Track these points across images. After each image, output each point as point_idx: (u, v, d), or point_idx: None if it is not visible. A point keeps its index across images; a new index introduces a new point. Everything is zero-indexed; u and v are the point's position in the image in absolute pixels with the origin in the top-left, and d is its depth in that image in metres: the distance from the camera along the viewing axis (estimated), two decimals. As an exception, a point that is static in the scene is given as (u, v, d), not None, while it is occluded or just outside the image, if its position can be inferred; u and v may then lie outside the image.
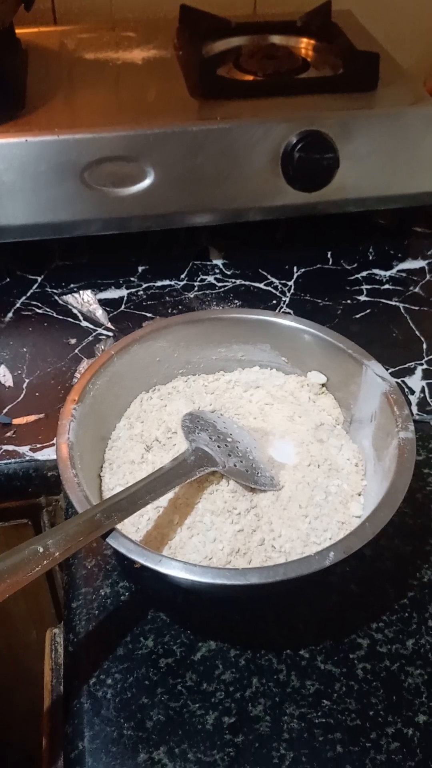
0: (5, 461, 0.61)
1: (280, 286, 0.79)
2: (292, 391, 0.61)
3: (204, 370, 0.63)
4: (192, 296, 0.78)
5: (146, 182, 0.73)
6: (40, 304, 0.76)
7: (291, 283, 0.80)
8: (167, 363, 0.61)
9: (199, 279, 0.80)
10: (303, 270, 0.81)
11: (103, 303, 0.77)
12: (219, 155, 0.73)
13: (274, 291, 0.79)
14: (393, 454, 0.50)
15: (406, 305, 0.77)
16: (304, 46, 0.89)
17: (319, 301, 0.78)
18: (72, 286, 0.78)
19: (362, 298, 0.78)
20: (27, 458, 0.61)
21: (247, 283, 0.80)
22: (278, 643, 0.51)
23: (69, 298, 0.77)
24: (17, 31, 0.86)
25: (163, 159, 0.72)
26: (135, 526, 0.51)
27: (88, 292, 0.78)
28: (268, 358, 0.63)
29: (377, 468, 0.53)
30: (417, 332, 0.74)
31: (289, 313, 0.61)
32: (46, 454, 0.61)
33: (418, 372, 0.70)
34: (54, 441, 0.60)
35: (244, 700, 0.48)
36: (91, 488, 0.51)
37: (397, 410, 0.53)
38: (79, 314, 0.75)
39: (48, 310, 0.76)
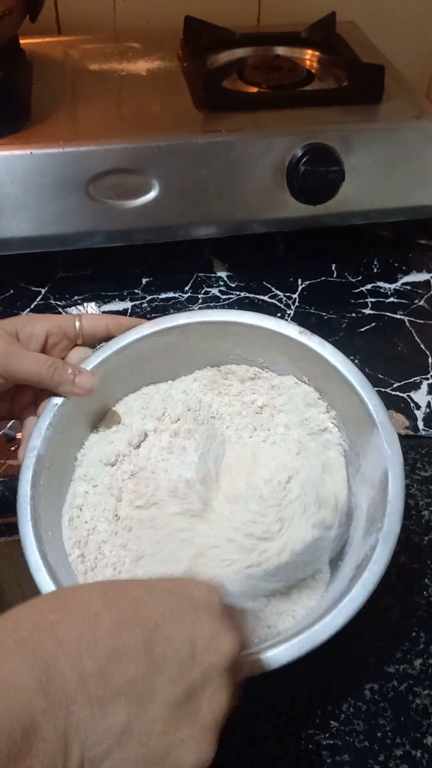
0: (9, 476, 0.61)
1: (284, 298, 0.79)
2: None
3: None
4: (196, 308, 0.78)
5: (151, 195, 0.73)
6: (43, 317, 0.76)
7: (295, 295, 0.79)
8: (174, 357, 0.57)
9: (203, 291, 0.80)
10: (307, 282, 0.81)
11: (107, 315, 0.76)
12: (223, 168, 0.73)
13: (278, 304, 0.78)
14: (365, 555, 0.44)
15: (411, 319, 0.77)
16: (309, 57, 0.89)
17: (324, 314, 0.77)
18: (76, 298, 0.78)
19: (367, 311, 0.78)
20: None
21: (251, 295, 0.79)
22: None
23: (73, 310, 0.77)
24: (21, 41, 0.86)
25: (167, 171, 0.72)
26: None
27: (92, 304, 0.77)
28: (287, 372, 0.57)
29: (356, 551, 0.47)
30: (422, 346, 0.74)
31: (314, 334, 0.55)
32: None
33: (424, 387, 0.70)
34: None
35: (251, 721, 0.47)
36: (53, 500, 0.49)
37: (388, 504, 0.45)
38: (82, 326, 0.75)
39: (52, 322, 0.75)
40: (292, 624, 0.46)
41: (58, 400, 0.50)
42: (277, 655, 0.40)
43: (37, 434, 0.49)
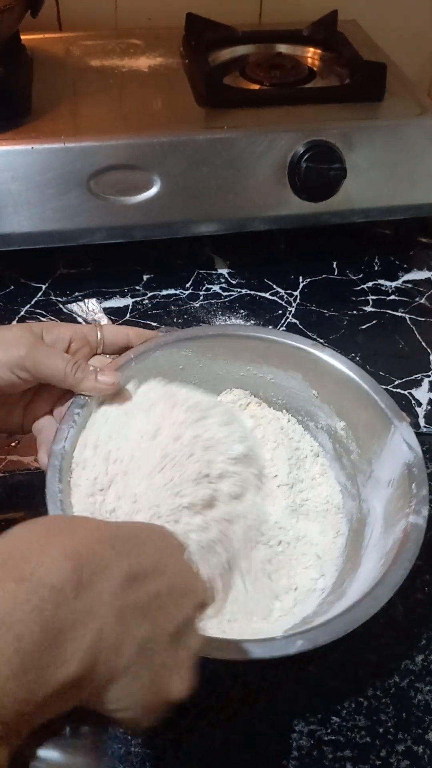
0: (9, 472, 0.60)
1: (285, 296, 0.79)
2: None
3: (228, 385, 0.60)
4: (197, 305, 0.78)
5: (152, 191, 0.73)
6: (44, 313, 0.76)
7: (297, 293, 0.79)
8: (190, 372, 0.58)
9: (204, 288, 0.80)
10: (309, 280, 0.81)
11: (107, 312, 0.76)
12: (225, 164, 0.73)
13: (279, 301, 0.78)
14: (397, 537, 0.46)
15: (412, 316, 0.77)
16: (310, 55, 0.89)
17: (325, 311, 0.77)
18: (77, 294, 0.78)
19: (368, 308, 0.78)
20: (32, 469, 0.60)
21: (252, 292, 0.79)
22: (285, 659, 0.50)
23: (74, 307, 0.77)
24: (22, 37, 0.86)
25: (169, 168, 0.72)
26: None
27: (93, 300, 0.77)
28: (298, 387, 0.58)
29: (380, 540, 0.49)
30: (423, 343, 0.74)
31: (327, 346, 0.57)
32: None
33: (425, 384, 0.70)
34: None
35: (253, 717, 0.47)
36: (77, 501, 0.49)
37: (414, 488, 0.48)
38: (83, 323, 0.75)
39: (53, 318, 0.75)
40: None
41: (81, 400, 0.51)
42: (326, 631, 0.41)
43: (63, 433, 0.49)
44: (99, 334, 0.54)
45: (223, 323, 0.75)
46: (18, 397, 0.52)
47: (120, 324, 0.75)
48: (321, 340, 0.73)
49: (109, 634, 0.30)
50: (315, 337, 0.74)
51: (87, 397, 0.51)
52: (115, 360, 0.54)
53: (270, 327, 0.74)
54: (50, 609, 0.28)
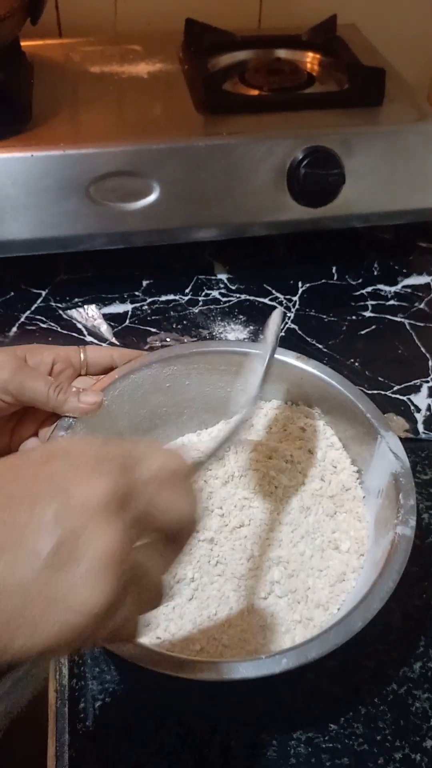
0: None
1: (285, 301, 0.79)
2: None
3: (213, 405, 0.59)
4: (196, 311, 0.78)
5: (151, 197, 0.73)
6: (44, 319, 0.76)
7: (296, 298, 0.80)
8: (177, 390, 0.58)
9: (203, 294, 0.80)
10: (308, 285, 0.81)
11: (107, 318, 0.76)
12: (224, 170, 0.73)
13: (278, 306, 0.78)
14: (385, 548, 0.46)
15: (412, 321, 0.77)
16: (310, 60, 0.89)
17: (324, 316, 0.77)
18: (76, 300, 0.78)
19: (367, 313, 0.78)
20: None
21: (251, 298, 0.79)
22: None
23: (73, 313, 0.77)
24: (22, 43, 0.86)
25: (168, 174, 0.72)
26: None
27: (93, 306, 0.78)
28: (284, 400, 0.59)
29: (372, 551, 0.50)
30: (422, 349, 0.74)
31: (311, 359, 0.57)
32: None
33: (424, 389, 0.70)
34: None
35: (250, 725, 0.47)
36: None
37: (401, 498, 0.48)
38: (83, 329, 0.75)
39: (52, 324, 0.75)
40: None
41: (66, 423, 0.51)
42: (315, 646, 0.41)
43: None
44: (82, 355, 0.55)
45: (221, 329, 0.75)
46: (4, 420, 0.53)
47: (119, 329, 0.75)
48: (320, 346, 0.74)
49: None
50: (314, 342, 0.74)
51: (72, 419, 0.51)
52: (100, 381, 0.54)
53: (254, 341, 0.74)
54: None
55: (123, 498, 0.31)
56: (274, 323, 0.51)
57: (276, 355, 0.55)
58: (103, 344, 0.73)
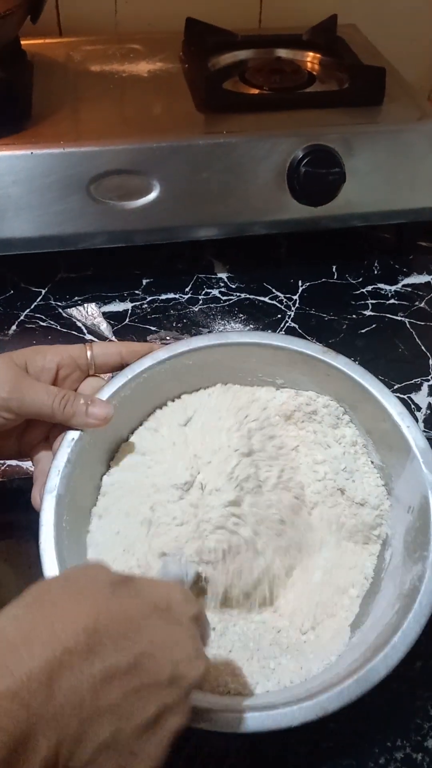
0: (8, 477, 0.60)
1: (285, 300, 0.79)
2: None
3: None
4: (197, 309, 0.78)
5: (152, 196, 0.73)
6: (44, 317, 0.76)
7: (296, 297, 0.79)
8: (190, 387, 0.54)
9: (203, 292, 0.80)
10: (308, 284, 0.81)
11: (107, 316, 0.76)
12: (225, 169, 0.73)
13: (279, 305, 0.78)
14: (414, 584, 0.43)
15: (412, 320, 0.77)
16: (310, 60, 0.89)
17: (324, 315, 0.77)
18: (76, 298, 0.78)
19: (367, 312, 0.78)
20: (31, 474, 0.60)
21: (252, 296, 0.79)
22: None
23: (73, 311, 0.77)
24: (23, 42, 0.86)
25: (168, 173, 0.72)
26: None
27: (93, 305, 0.77)
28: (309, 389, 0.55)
29: (400, 570, 0.46)
30: (423, 347, 0.74)
31: (339, 354, 0.53)
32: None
33: (425, 388, 0.69)
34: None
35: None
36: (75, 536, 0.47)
37: None
38: (83, 327, 0.75)
39: (52, 322, 0.75)
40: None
41: (74, 434, 0.48)
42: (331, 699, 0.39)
43: (55, 473, 0.46)
44: (89, 353, 0.50)
45: (222, 328, 0.75)
46: (10, 430, 0.49)
47: (119, 328, 0.75)
48: (320, 345, 0.73)
49: (68, 741, 0.29)
50: (314, 341, 0.74)
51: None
52: (110, 382, 0.50)
53: (279, 333, 0.73)
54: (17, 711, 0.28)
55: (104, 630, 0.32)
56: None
57: (298, 348, 0.53)
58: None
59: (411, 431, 0.48)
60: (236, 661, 0.45)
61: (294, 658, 0.45)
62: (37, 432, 0.50)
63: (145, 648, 0.32)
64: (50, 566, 0.43)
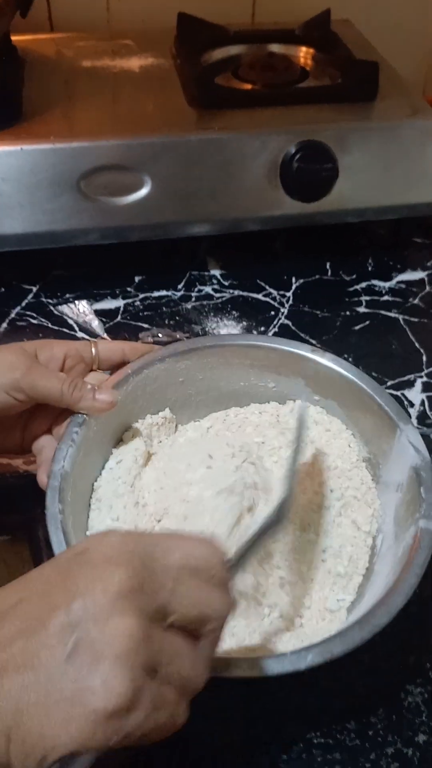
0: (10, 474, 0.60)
1: (278, 297, 0.79)
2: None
3: (229, 399, 0.60)
4: (189, 307, 0.77)
5: (143, 192, 0.73)
6: (35, 315, 0.75)
7: (289, 294, 0.79)
8: (190, 384, 0.58)
9: (196, 290, 0.79)
10: (302, 281, 0.81)
11: (98, 313, 0.76)
12: (217, 165, 0.73)
13: (272, 302, 0.78)
14: (408, 543, 0.45)
15: (406, 317, 0.77)
16: (303, 55, 0.88)
17: (318, 312, 0.77)
18: (68, 296, 0.78)
19: (361, 309, 0.78)
20: (21, 472, 0.60)
21: (245, 293, 0.79)
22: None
23: (64, 309, 0.76)
24: (13, 38, 0.85)
25: (160, 169, 0.72)
26: None
27: (84, 302, 0.77)
28: (301, 394, 0.58)
29: (392, 548, 0.48)
30: (416, 344, 0.74)
31: (327, 351, 0.57)
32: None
33: (418, 384, 0.69)
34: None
35: (243, 720, 0.47)
36: (78, 522, 0.48)
37: (423, 492, 0.47)
38: (74, 325, 0.75)
39: (43, 320, 0.75)
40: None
41: (80, 419, 0.50)
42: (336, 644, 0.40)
43: (62, 452, 0.49)
44: (94, 350, 0.54)
45: (215, 325, 0.75)
46: (16, 417, 0.52)
47: (110, 326, 0.75)
48: (314, 341, 0.73)
49: None
50: (308, 338, 0.74)
51: (84, 415, 0.51)
52: (113, 376, 0.54)
53: (269, 334, 0.74)
54: None
55: (141, 587, 0.31)
56: (298, 418, 0.50)
57: (290, 348, 0.57)
58: (95, 340, 0.73)
59: (396, 412, 0.52)
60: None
61: (295, 635, 0.47)
62: (42, 423, 0.53)
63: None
64: (58, 536, 0.45)
